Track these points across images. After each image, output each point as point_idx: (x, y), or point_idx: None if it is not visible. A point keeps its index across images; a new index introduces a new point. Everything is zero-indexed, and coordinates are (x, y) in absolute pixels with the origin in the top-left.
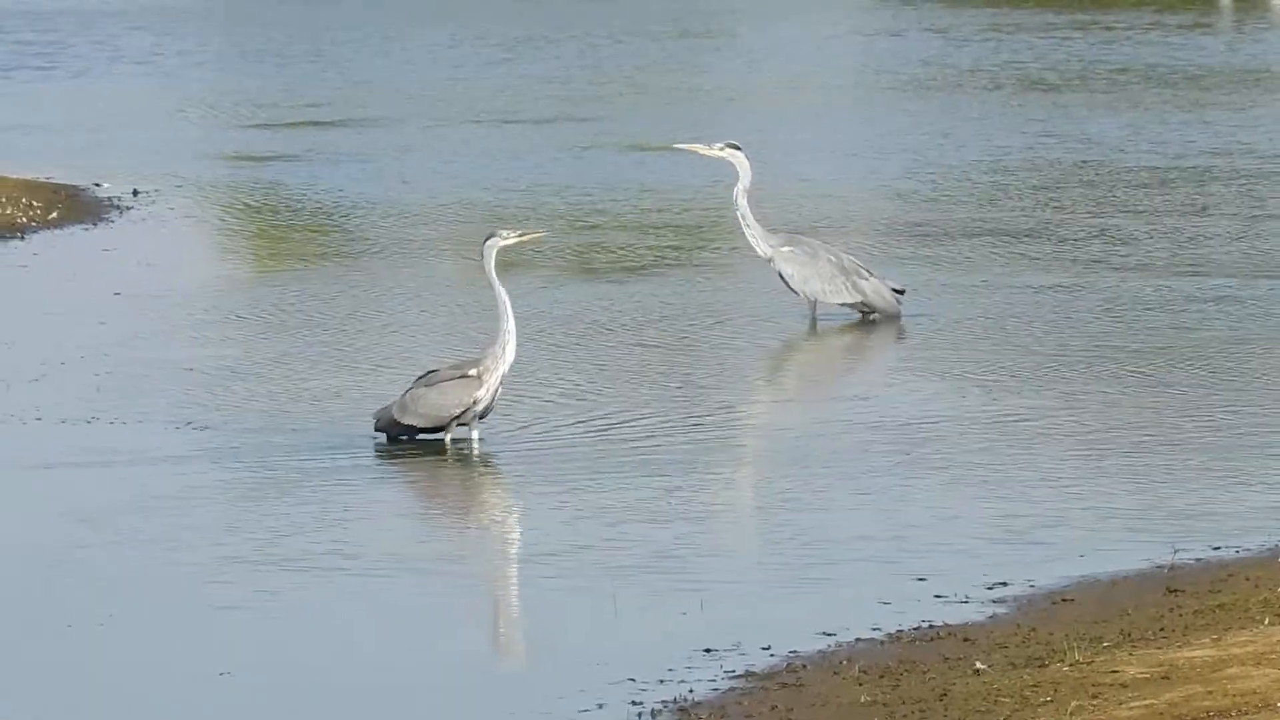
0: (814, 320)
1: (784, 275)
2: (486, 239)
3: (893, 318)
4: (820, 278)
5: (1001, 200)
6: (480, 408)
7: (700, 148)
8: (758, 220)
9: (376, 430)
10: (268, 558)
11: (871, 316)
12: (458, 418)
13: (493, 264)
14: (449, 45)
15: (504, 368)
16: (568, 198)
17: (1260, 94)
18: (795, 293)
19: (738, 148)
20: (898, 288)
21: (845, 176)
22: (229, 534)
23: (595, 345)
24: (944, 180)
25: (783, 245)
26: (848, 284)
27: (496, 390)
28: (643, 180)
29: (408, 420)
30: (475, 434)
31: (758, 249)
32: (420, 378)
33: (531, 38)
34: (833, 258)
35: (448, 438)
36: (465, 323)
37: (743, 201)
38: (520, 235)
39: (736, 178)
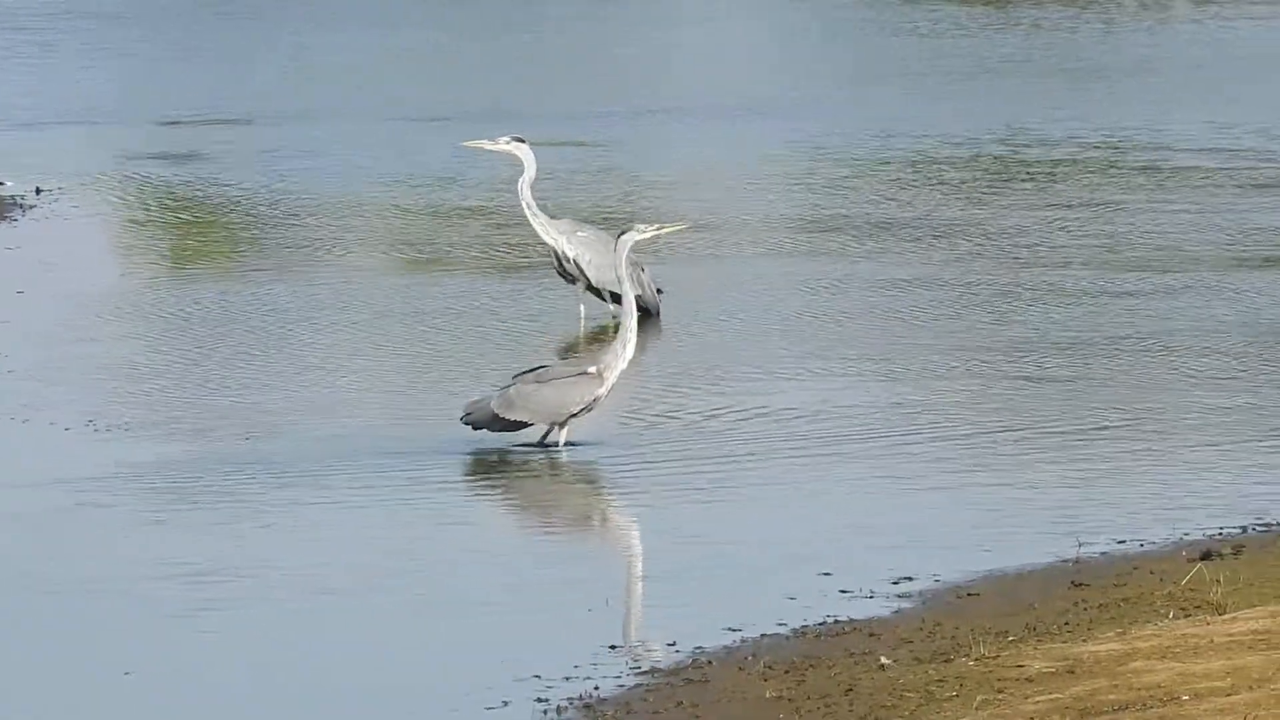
0: (579, 313)
1: (579, 262)
2: (621, 233)
3: (653, 315)
4: (613, 266)
5: (895, 192)
6: (597, 406)
7: (485, 143)
8: (542, 209)
9: (465, 422)
10: (171, 568)
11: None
12: (574, 415)
13: (624, 260)
14: (363, 44)
15: (623, 365)
16: (484, 191)
17: (1149, 86)
18: (576, 280)
19: (522, 140)
20: (659, 286)
21: (738, 166)
22: (130, 540)
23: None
24: (839, 171)
25: (575, 232)
26: (633, 275)
27: (612, 389)
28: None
29: (514, 415)
30: (564, 434)
31: (545, 237)
32: (525, 373)
33: (455, 35)
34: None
35: (562, 437)
36: (377, 319)
37: (527, 193)
38: (658, 228)
39: (522, 170)
